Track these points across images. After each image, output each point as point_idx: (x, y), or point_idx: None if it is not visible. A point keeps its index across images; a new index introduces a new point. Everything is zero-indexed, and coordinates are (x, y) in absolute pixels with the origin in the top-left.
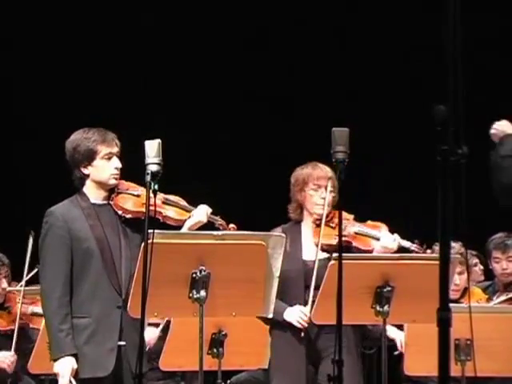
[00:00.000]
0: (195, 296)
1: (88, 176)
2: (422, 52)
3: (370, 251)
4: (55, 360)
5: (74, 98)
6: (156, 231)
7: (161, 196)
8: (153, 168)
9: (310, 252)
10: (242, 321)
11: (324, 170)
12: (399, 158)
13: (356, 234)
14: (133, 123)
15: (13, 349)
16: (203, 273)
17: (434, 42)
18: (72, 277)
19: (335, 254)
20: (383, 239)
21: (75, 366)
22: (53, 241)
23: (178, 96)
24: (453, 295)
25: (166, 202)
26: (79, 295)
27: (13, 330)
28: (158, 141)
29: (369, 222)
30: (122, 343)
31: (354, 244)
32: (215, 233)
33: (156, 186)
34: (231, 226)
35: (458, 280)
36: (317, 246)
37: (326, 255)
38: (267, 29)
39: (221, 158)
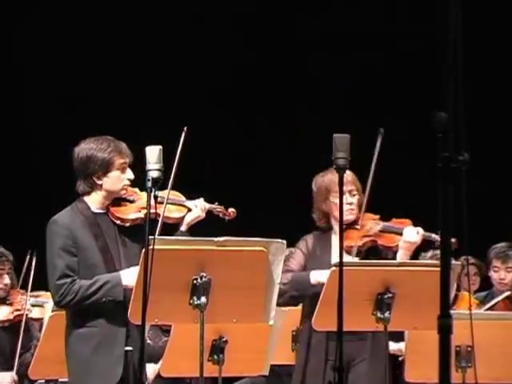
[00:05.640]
0: (196, 302)
1: (100, 186)
2: (422, 56)
3: (396, 247)
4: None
5: (75, 104)
6: (157, 237)
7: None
8: (154, 174)
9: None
10: (242, 327)
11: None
12: (399, 164)
13: (380, 231)
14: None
15: (15, 369)
16: (204, 279)
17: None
18: None
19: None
20: (406, 233)
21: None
22: (57, 247)
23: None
24: None
25: (160, 202)
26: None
27: (11, 322)
28: (159, 147)
29: (394, 219)
30: (129, 348)
31: (380, 242)
32: (216, 239)
33: (157, 193)
34: (230, 210)
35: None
36: (346, 250)
37: (355, 258)
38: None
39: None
